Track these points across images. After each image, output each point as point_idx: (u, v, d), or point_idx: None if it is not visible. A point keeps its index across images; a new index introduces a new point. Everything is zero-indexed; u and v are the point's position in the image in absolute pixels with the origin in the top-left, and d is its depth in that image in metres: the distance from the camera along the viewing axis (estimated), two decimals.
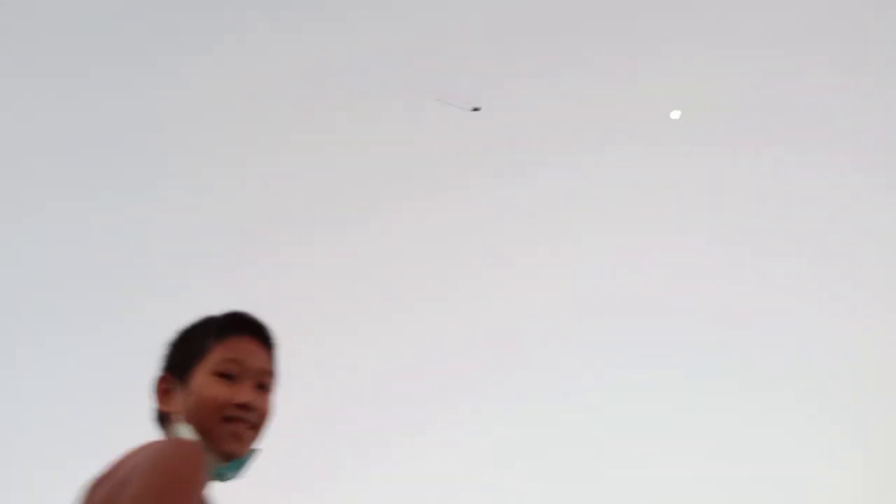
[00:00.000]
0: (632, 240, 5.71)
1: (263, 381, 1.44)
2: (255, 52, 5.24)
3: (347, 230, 5.44)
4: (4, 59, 5.06)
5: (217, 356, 1.42)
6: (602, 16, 5.19)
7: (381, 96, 5.35)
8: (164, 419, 1.41)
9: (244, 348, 1.44)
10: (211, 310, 1.47)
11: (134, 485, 1.14)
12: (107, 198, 5.61)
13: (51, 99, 5.40)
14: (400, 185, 5.52)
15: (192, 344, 1.45)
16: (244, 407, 1.39)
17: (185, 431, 1.34)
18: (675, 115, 5.21)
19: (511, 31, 5.17)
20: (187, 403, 1.38)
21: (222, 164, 5.67)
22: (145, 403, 1.42)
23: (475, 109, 5.06)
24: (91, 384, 5.53)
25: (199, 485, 1.18)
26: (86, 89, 5.37)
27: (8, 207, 5.39)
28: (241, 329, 1.46)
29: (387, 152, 5.43)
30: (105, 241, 5.67)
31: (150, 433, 1.32)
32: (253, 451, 1.41)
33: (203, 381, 1.40)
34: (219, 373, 1.40)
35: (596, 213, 5.81)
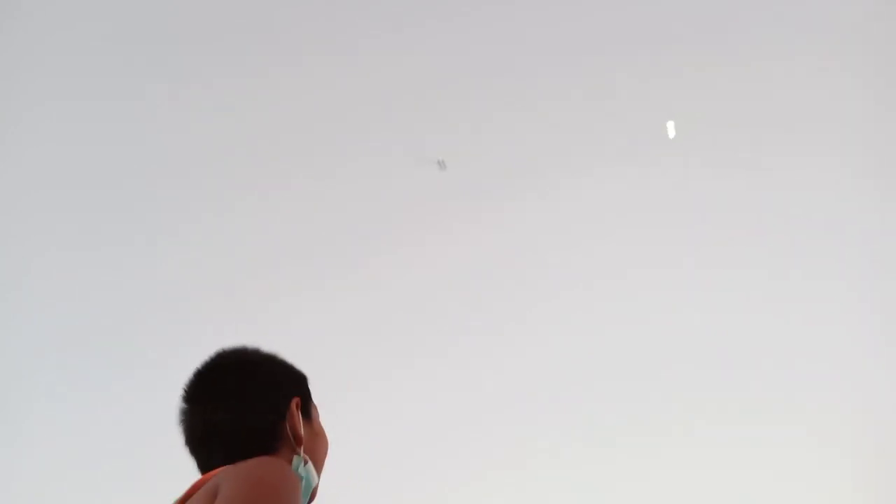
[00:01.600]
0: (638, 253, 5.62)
1: None
2: (221, 108, 5.14)
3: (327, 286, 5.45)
4: None
5: (314, 409, 1.38)
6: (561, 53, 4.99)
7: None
8: (275, 437, 1.27)
9: None
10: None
11: (227, 486, 1.02)
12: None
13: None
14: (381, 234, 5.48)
15: (303, 383, 1.39)
16: None
17: (308, 469, 1.25)
18: (671, 129, 5.06)
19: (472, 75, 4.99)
20: (313, 441, 1.32)
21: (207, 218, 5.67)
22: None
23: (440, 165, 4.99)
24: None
25: None
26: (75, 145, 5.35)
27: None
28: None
29: (360, 206, 5.36)
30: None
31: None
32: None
33: (319, 421, 1.37)
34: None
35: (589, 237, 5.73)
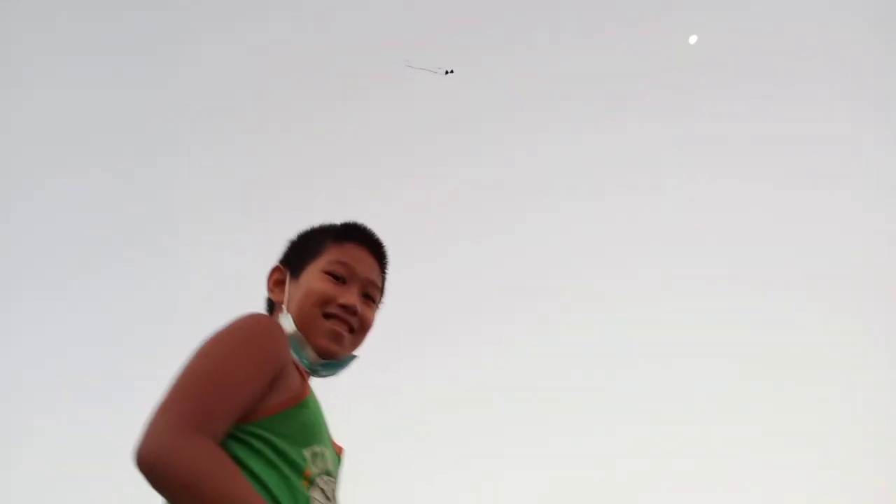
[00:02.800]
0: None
1: (370, 292, 1.50)
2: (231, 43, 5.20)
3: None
4: None
5: (331, 257, 1.49)
6: None
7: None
8: (271, 309, 1.49)
9: (357, 255, 1.50)
10: None
11: (205, 341, 1.23)
12: None
13: None
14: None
15: (310, 242, 1.53)
16: (348, 309, 1.44)
17: (286, 320, 1.41)
18: (693, 39, 5.19)
19: None
20: (294, 295, 1.45)
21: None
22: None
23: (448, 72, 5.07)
24: None
25: (267, 346, 1.25)
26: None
27: None
28: (358, 237, 1.53)
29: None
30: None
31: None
32: (352, 356, 1.48)
33: (313, 276, 1.47)
34: (329, 272, 1.47)
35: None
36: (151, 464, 1.10)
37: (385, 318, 1.60)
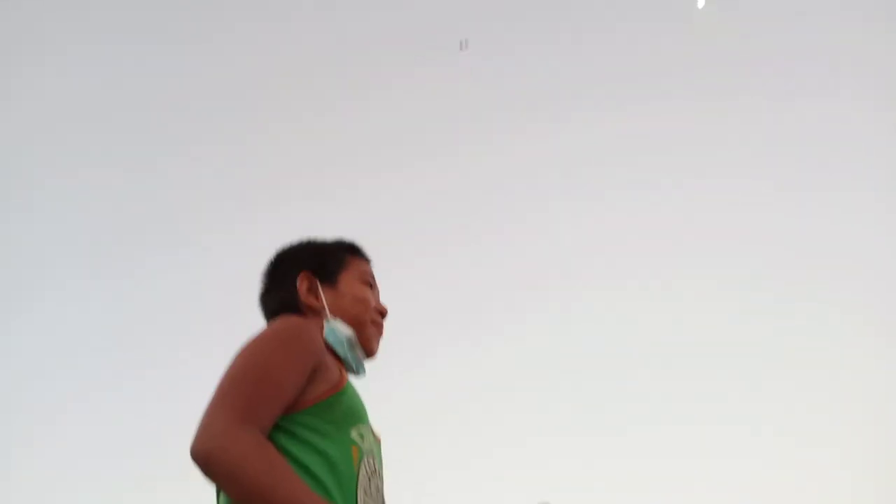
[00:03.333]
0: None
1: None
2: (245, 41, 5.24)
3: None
4: None
5: (358, 268, 1.65)
6: None
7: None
8: (286, 309, 1.56)
9: (370, 270, 1.69)
10: None
11: (247, 343, 1.36)
12: None
13: None
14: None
15: (331, 253, 1.65)
16: (383, 315, 1.64)
17: (341, 325, 1.53)
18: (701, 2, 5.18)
19: None
20: (338, 302, 1.58)
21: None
22: None
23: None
24: None
25: (304, 342, 1.36)
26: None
27: None
28: (365, 255, 1.70)
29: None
30: None
31: None
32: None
33: (353, 284, 1.62)
34: (364, 282, 1.64)
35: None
36: (206, 456, 1.20)
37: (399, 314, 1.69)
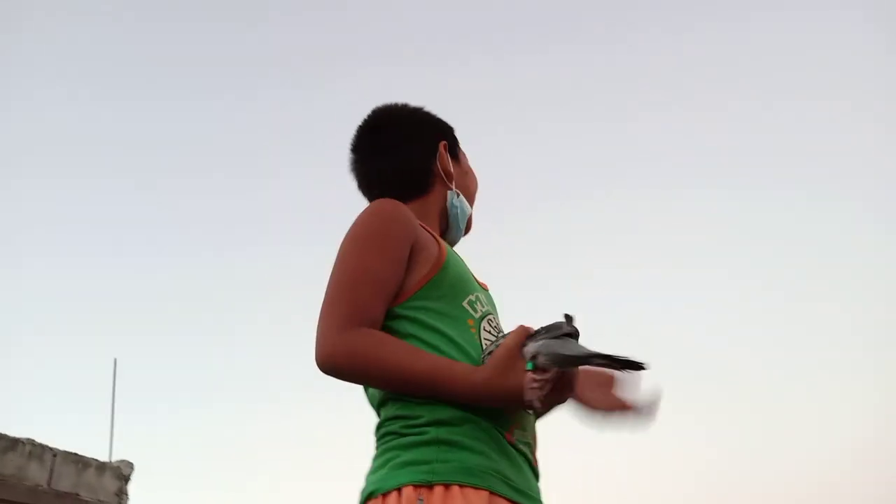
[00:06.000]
0: None
1: None
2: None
3: None
4: None
5: (461, 153, 1.62)
6: None
7: None
8: (408, 175, 1.52)
9: None
10: None
11: (343, 242, 1.38)
12: None
13: None
14: None
15: (448, 130, 1.61)
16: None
17: (461, 200, 1.55)
18: None
19: None
20: (461, 178, 1.57)
21: None
22: None
23: None
24: None
25: (397, 228, 1.36)
26: None
27: None
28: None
29: None
30: None
31: None
32: None
33: (466, 162, 1.61)
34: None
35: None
36: (331, 364, 1.27)
37: None
